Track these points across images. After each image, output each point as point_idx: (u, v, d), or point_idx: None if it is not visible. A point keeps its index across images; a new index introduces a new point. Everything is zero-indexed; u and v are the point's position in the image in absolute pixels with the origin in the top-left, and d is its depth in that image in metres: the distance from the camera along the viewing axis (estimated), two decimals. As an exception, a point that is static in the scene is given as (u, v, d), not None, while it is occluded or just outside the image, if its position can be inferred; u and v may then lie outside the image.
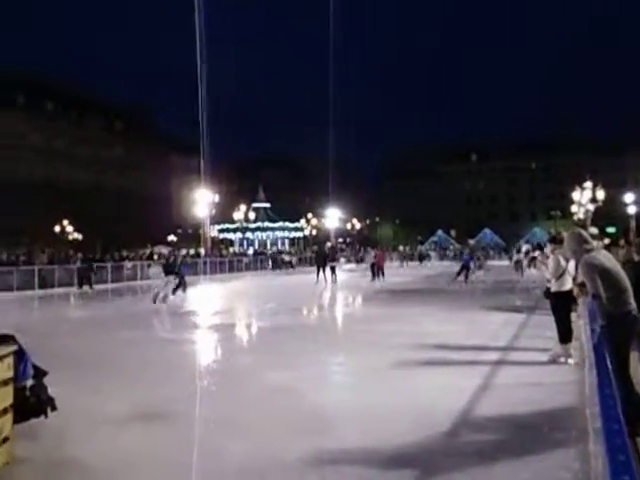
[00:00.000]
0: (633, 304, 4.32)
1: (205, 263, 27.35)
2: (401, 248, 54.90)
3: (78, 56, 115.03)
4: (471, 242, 64.17)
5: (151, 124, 64.82)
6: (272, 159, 78.57)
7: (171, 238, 54.33)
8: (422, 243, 65.48)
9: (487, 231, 66.48)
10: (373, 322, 11.53)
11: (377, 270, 23.04)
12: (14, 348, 4.24)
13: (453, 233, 73.54)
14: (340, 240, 68.08)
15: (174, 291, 16.10)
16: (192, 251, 37.50)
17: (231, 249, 44.70)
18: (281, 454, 4.16)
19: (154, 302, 14.75)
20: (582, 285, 4.61)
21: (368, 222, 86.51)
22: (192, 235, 50.41)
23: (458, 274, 21.68)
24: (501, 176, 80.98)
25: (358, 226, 67.06)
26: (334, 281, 22.25)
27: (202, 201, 28.53)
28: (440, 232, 69.10)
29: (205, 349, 9.30)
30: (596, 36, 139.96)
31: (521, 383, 6.04)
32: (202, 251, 30.11)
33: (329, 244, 31.77)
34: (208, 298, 18.79)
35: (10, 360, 4.15)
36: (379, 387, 6.16)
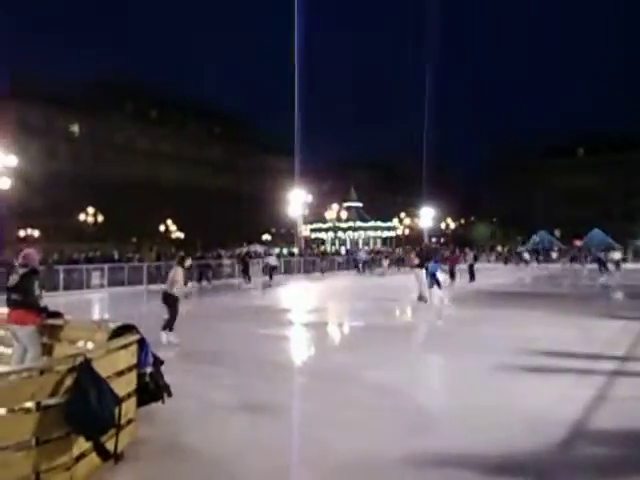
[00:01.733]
0: None
1: (299, 262, 27.98)
2: (499, 248, 52.67)
3: (180, 63, 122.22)
4: (578, 243, 59.98)
5: (248, 127, 67.48)
6: (364, 159, 78.77)
7: (265, 237, 56.23)
8: (523, 243, 62.24)
9: (597, 231, 61.61)
10: (473, 324, 11.21)
11: (451, 272, 21.96)
12: (137, 337, 4.68)
13: (557, 233, 69.19)
14: (434, 240, 66.69)
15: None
16: (285, 250, 38.62)
17: (322, 248, 45.45)
18: (383, 452, 4.19)
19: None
20: None
21: (463, 221, 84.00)
22: (285, 234, 51.87)
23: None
24: (613, 171, 74.90)
25: (452, 225, 65.24)
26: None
27: (295, 201, 29.23)
28: (543, 232, 65.22)
29: (303, 346, 9.55)
30: None
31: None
32: (295, 250, 30.87)
33: (425, 243, 31.21)
34: (302, 296, 19.25)
35: (134, 348, 4.58)
36: (484, 391, 5.98)
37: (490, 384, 6.29)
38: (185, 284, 10.59)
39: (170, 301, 9.18)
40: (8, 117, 42.50)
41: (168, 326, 9.04)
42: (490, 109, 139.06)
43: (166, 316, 9.11)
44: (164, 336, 8.89)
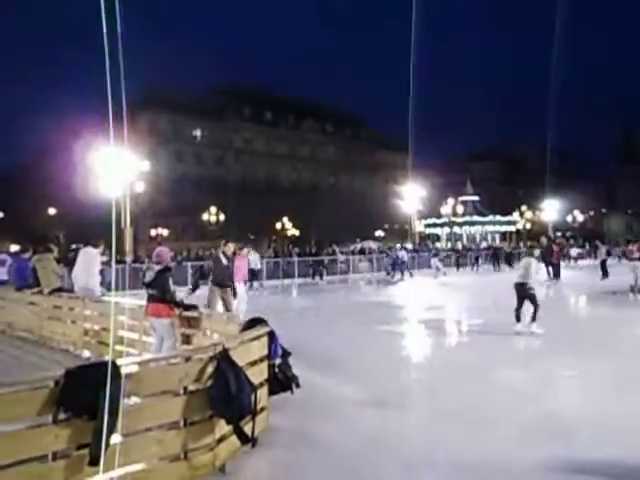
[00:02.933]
0: None
1: (413, 258, 27.60)
2: (629, 247, 47.60)
3: (293, 64, 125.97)
4: None
5: (361, 124, 67.86)
6: (481, 152, 75.57)
7: (379, 233, 56.12)
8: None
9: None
10: (607, 324, 10.38)
11: (549, 266, 20.15)
12: (268, 329, 4.92)
13: None
14: (559, 234, 62.19)
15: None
16: (398, 245, 38.20)
17: (438, 244, 44.30)
18: (512, 457, 4.06)
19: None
20: None
21: (593, 214, 77.32)
22: (399, 230, 51.38)
23: None
24: None
25: (581, 218, 60.32)
26: (554, 278, 20.59)
27: (409, 196, 28.84)
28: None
29: (423, 343, 9.44)
30: None
31: None
32: (409, 246, 30.43)
33: (543, 239, 29.23)
34: (420, 292, 18.97)
35: (265, 340, 4.83)
36: (617, 397, 5.57)
37: (629, 391, 5.78)
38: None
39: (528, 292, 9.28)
40: (140, 125, 46.67)
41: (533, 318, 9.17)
42: (624, 90, 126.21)
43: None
44: (533, 326, 9.10)
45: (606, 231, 69.43)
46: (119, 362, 3.29)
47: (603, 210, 78.56)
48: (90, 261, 8.55)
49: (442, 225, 45.97)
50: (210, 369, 3.80)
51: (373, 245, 35.46)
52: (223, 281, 8.63)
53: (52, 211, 47.02)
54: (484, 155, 75.21)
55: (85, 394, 3.00)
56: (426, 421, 5.02)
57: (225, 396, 3.70)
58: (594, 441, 4.37)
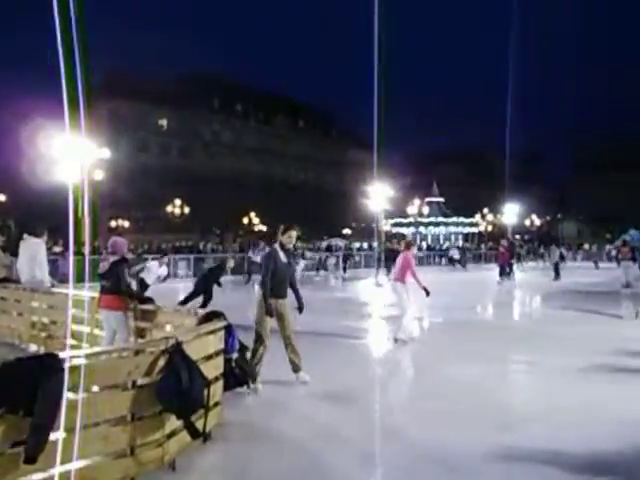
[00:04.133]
0: None
1: (379, 257, 27.83)
2: (586, 246, 49.64)
3: (263, 58, 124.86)
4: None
5: (331, 121, 67.94)
6: (448, 153, 76.75)
7: (346, 231, 56.37)
8: (611, 242, 58.20)
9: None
10: (559, 322, 10.74)
11: (503, 267, 21.03)
12: (224, 323, 4.82)
13: (649, 233, 63.92)
14: (517, 237, 63.80)
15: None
16: (365, 244, 38.44)
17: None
18: (465, 447, 4.12)
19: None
20: None
21: (549, 218, 79.79)
22: (366, 229, 51.75)
23: None
24: None
25: (538, 222, 62.13)
26: (512, 279, 21.28)
27: (376, 195, 28.99)
28: (633, 231, 60.44)
29: (382, 339, 9.49)
30: None
31: None
32: (375, 245, 30.63)
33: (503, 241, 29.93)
34: (381, 290, 19.10)
35: (221, 334, 4.72)
36: (570, 390, 5.79)
37: (579, 384, 6.04)
38: None
39: None
40: (101, 111, 45.26)
41: None
42: (582, 106, 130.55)
43: None
44: None
45: (561, 235, 71.75)
46: (62, 355, 3.14)
47: (559, 215, 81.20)
48: (34, 251, 8.07)
49: (408, 225, 46.61)
50: (161, 363, 3.68)
51: (340, 243, 35.54)
52: (281, 290, 5.89)
53: (1, 197, 44.99)
54: (451, 157, 76.46)
55: (21, 388, 2.84)
56: (381, 414, 5.04)
57: (176, 390, 3.59)
58: (544, 432, 4.50)
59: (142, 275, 10.25)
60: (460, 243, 47.65)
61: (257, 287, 6.10)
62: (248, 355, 5.39)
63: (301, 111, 64.21)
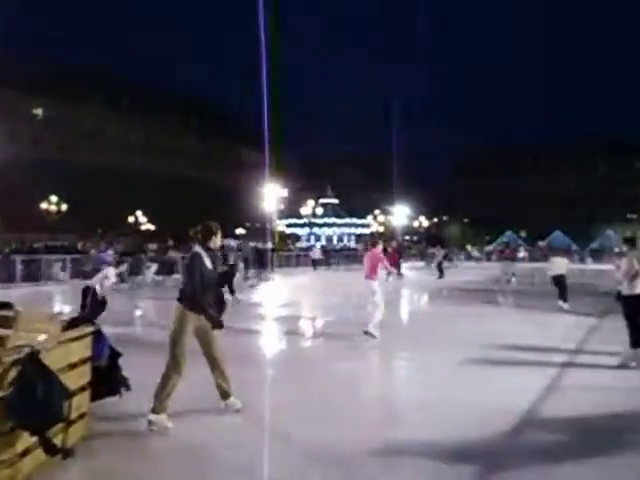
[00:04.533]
0: None
1: (272, 257, 27.90)
2: (469, 247, 53.58)
3: (156, 53, 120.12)
4: (541, 244, 61.45)
5: (225, 119, 66.79)
6: (342, 155, 78.95)
7: (239, 231, 55.81)
8: (489, 243, 63.53)
9: (558, 233, 63.39)
10: (441, 319, 11.47)
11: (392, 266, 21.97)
12: (92, 329, 4.54)
13: (523, 234, 70.74)
14: (407, 238, 67.19)
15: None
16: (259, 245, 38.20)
17: (298, 244, 45.31)
18: (349, 443, 4.24)
19: None
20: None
21: (436, 220, 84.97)
22: (260, 229, 51.61)
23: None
24: (577, 177, 76.95)
25: (426, 224, 65.94)
26: (399, 278, 22.25)
27: (270, 196, 29.06)
28: (509, 233, 66.59)
29: (273, 339, 9.55)
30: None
31: (589, 386, 5.92)
32: (269, 245, 30.69)
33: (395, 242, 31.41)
34: (275, 291, 19.15)
35: (88, 340, 4.44)
36: (446, 383, 6.17)
37: (453, 377, 6.46)
38: None
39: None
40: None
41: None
42: (465, 109, 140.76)
43: None
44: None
45: (447, 236, 76.75)
46: None
47: (444, 217, 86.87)
48: None
49: (302, 225, 47.26)
50: (13, 374, 3.38)
51: (233, 243, 34.99)
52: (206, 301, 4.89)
53: None
54: (345, 159, 78.74)
55: None
56: (268, 414, 5.04)
57: (29, 404, 3.32)
58: (421, 424, 4.77)
59: (99, 282, 9.34)
60: (353, 244, 49.16)
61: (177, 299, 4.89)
62: (120, 361, 5.10)
63: (194, 108, 62.47)
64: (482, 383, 6.14)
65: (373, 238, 9.79)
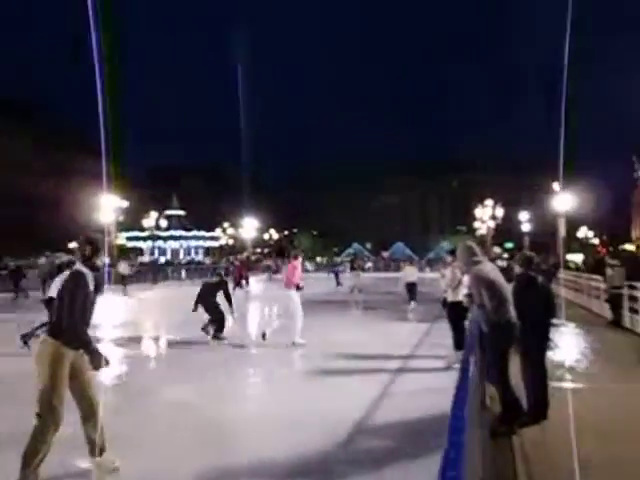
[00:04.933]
0: (513, 313, 4.62)
1: (109, 273, 25.98)
2: (319, 259, 55.48)
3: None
4: (385, 254, 66.30)
5: (57, 123, 60.79)
6: (190, 166, 76.75)
7: (73, 245, 51.07)
8: (337, 255, 66.64)
9: (400, 244, 69.00)
10: (283, 331, 11.45)
11: (238, 280, 21.92)
12: None
13: (369, 245, 75.52)
14: (258, 250, 67.47)
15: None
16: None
17: (141, 258, 42.88)
18: (174, 469, 4.07)
19: None
20: (470, 295, 4.84)
21: (287, 233, 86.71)
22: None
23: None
24: (414, 191, 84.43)
25: (276, 236, 66.92)
26: (247, 291, 22.26)
27: (107, 206, 27.10)
28: (356, 244, 70.66)
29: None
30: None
31: (418, 390, 6.32)
32: (106, 260, 28.61)
33: (245, 254, 31.44)
34: (112, 310, 17.79)
35: None
36: (283, 397, 6.19)
37: (290, 390, 6.52)
38: None
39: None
40: None
41: None
42: (312, 126, 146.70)
43: None
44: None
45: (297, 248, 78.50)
46: None
47: (295, 230, 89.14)
48: None
49: (145, 239, 44.79)
50: None
51: (65, 258, 31.91)
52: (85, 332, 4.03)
53: None
54: (193, 169, 76.66)
55: None
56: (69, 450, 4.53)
57: None
58: (265, 440, 4.72)
59: None
60: (201, 257, 47.93)
61: (43, 332, 4.07)
62: None
63: (17, 110, 55.58)
64: (317, 394, 6.27)
65: (295, 251, 10.71)
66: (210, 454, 4.40)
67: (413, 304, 14.89)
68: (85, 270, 3.91)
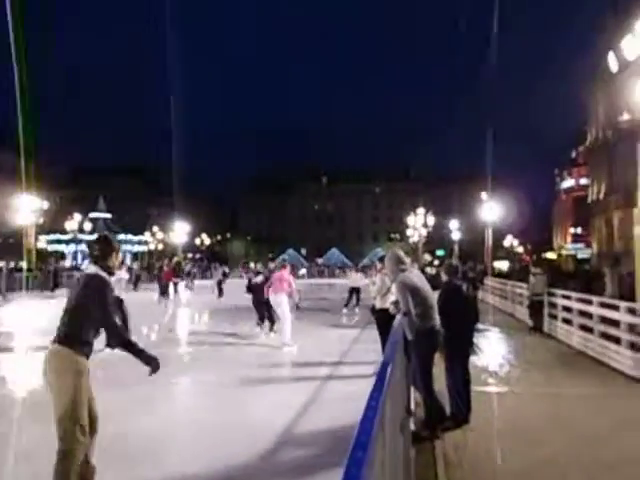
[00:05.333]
0: (437, 320, 4.66)
1: (27, 278, 24.45)
2: (252, 265, 54.83)
3: None
4: (319, 261, 66.67)
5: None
6: (119, 168, 73.49)
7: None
8: (272, 260, 66.23)
9: (335, 251, 69.59)
10: (212, 339, 11.20)
11: (165, 288, 19.83)
12: None
13: (304, 251, 75.66)
14: (189, 255, 65.84)
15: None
16: (12, 264, 33.34)
17: (62, 263, 40.56)
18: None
19: None
20: (397, 303, 4.83)
21: (219, 238, 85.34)
22: (15, 245, 44.79)
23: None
24: (349, 198, 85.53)
25: (208, 242, 65.54)
26: (177, 299, 21.41)
27: (25, 207, 25.44)
28: (291, 250, 70.58)
29: (16, 374, 8.12)
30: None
31: (346, 397, 6.22)
32: (24, 264, 26.77)
33: (175, 259, 30.42)
34: (28, 317, 16.64)
35: None
36: (210, 407, 6.01)
37: (218, 401, 6.31)
38: None
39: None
40: None
41: None
42: (250, 129, 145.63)
43: None
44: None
45: (229, 254, 77.60)
46: None
47: (228, 235, 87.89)
48: None
49: (67, 242, 42.34)
50: None
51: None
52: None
53: None
54: (121, 169, 73.56)
55: None
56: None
57: None
58: (177, 458, 4.50)
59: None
60: (129, 262, 46.05)
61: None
62: None
63: None
64: (245, 404, 6.14)
65: (283, 262, 11.89)
66: (131, 469, 4.17)
67: (346, 310, 15.91)
68: (103, 273, 3.59)
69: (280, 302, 10.12)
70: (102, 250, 3.67)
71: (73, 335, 3.42)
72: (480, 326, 9.33)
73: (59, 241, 42.82)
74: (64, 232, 40.66)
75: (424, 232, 40.79)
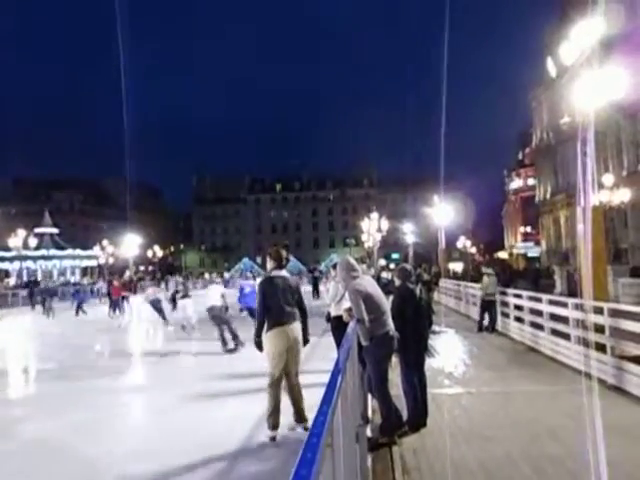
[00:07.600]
0: (391, 325, 4.64)
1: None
2: (207, 275, 54.07)
3: None
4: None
5: None
6: (65, 180, 71.03)
7: None
8: (228, 270, 65.56)
9: (291, 258, 69.59)
10: (172, 353, 10.94)
11: (115, 302, 20.23)
12: None
13: (259, 260, 75.16)
14: (142, 268, 64.29)
15: None
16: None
17: (7, 280, 38.69)
18: None
19: None
20: (350, 310, 4.79)
21: (173, 249, 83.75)
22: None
23: None
24: (304, 206, 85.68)
25: (160, 253, 64.06)
26: (129, 314, 20.76)
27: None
28: (246, 259, 69.94)
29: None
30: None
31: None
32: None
33: (128, 274, 29.69)
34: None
35: None
36: (162, 422, 5.88)
37: (174, 416, 6.16)
38: None
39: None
40: None
41: None
42: (197, 140, 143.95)
43: None
44: None
45: (184, 265, 76.21)
46: None
47: (182, 246, 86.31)
48: None
49: (12, 259, 40.36)
50: None
51: None
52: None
53: None
54: (68, 183, 71.17)
55: None
56: None
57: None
58: (129, 474, 4.38)
59: None
60: (77, 277, 44.47)
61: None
62: None
63: None
64: (201, 417, 6.00)
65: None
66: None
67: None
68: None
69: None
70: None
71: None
72: (436, 328, 9.44)
73: (2, 258, 40.80)
74: (7, 249, 38.71)
75: (378, 237, 41.19)
